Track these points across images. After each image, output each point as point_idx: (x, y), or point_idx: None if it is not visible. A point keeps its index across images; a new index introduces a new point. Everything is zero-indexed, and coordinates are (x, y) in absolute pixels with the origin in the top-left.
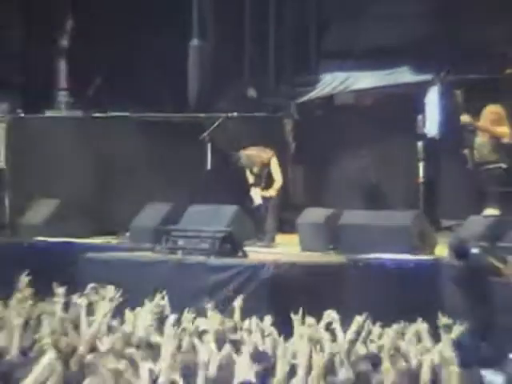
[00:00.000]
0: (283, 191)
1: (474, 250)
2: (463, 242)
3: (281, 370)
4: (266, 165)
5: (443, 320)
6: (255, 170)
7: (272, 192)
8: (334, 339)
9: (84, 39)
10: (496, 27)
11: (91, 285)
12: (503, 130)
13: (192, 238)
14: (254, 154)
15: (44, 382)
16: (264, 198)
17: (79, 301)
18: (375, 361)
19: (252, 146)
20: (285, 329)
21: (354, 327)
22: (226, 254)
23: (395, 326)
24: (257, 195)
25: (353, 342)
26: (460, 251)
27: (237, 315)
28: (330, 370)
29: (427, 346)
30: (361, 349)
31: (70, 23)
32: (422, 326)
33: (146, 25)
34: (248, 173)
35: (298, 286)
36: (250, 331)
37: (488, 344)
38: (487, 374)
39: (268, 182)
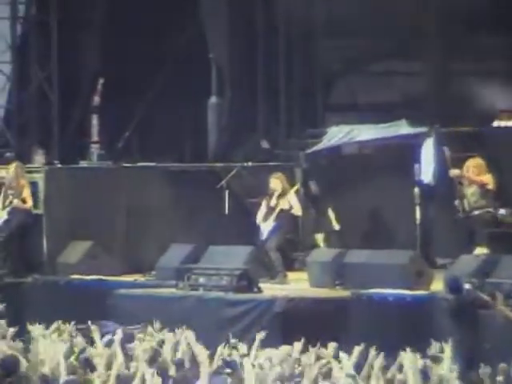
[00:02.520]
0: (292, 232)
1: (467, 286)
2: (456, 278)
3: None
4: (285, 193)
5: (432, 350)
6: (273, 199)
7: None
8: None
9: (114, 97)
10: (485, 80)
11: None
12: (487, 178)
13: (212, 276)
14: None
15: None
16: (272, 232)
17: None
18: None
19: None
20: None
21: (353, 358)
22: (243, 290)
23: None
24: (265, 229)
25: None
26: (453, 286)
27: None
28: None
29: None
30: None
31: (102, 82)
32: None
33: (171, 84)
34: (264, 204)
35: (308, 318)
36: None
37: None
38: None
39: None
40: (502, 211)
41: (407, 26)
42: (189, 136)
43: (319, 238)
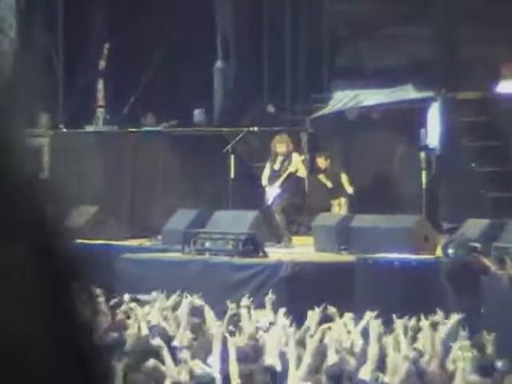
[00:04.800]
0: (298, 196)
1: (450, 250)
2: (446, 243)
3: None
4: (289, 154)
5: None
6: (277, 163)
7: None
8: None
9: (120, 61)
10: (491, 46)
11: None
12: None
13: (218, 240)
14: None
15: None
16: (277, 196)
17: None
18: None
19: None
20: (300, 321)
21: (364, 321)
22: (249, 255)
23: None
24: (271, 193)
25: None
26: (445, 250)
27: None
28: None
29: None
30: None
31: (107, 46)
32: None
33: (176, 49)
34: (268, 166)
35: (313, 282)
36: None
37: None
38: None
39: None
40: None
41: None
42: (194, 100)
43: (335, 203)
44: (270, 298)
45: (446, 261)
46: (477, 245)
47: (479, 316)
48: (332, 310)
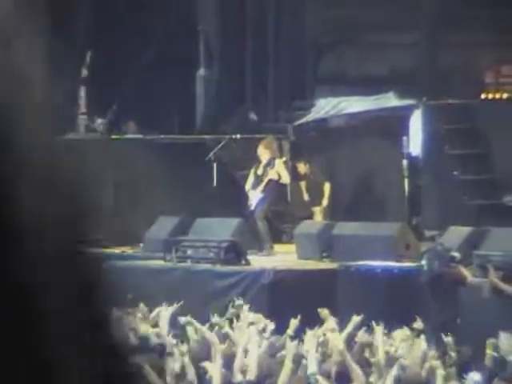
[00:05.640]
0: (280, 203)
1: (423, 261)
2: (422, 252)
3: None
4: (272, 160)
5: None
6: (260, 168)
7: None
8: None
9: (102, 69)
10: (473, 54)
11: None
12: None
13: (199, 248)
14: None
15: None
16: (258, 203)
17: None
18: None
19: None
20: (282, 328)
21: (350, 327)
22: (231, 262)
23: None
24: (253, 198)
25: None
26: (419, 260)
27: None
28: None
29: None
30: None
31: (90, 55)
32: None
33: (158, 57)
34: (252, 172)
35: (295, 289)
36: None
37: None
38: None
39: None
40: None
41: None
42: (177, 108)
43: (317, 210)
44: (239, 304)
45: (424, 270)
46: (455, 254)
47: (456, 326)
48: (325, 312)
